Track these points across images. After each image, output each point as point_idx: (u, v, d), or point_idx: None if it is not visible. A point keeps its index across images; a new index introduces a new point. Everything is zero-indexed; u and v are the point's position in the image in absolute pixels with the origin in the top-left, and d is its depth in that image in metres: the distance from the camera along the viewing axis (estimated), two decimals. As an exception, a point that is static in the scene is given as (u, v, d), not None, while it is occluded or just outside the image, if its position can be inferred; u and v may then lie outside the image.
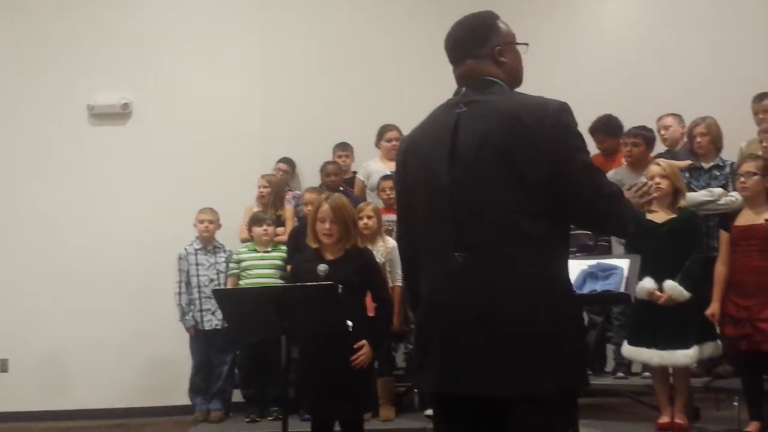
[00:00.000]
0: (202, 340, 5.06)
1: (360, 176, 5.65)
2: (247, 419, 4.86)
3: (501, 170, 1.88)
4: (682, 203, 4.10)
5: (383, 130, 5.54)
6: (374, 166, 5.48)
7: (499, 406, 1.90)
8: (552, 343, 1.85)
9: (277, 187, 5.36)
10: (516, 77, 2.09)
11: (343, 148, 5.79)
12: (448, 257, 1.93)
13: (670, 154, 4.96)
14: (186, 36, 6.09)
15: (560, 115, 1.90)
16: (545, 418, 1.85)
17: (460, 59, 2.06)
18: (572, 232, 5.78)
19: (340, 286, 2.99)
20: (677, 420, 4.05)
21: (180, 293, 5.06)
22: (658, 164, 4.15)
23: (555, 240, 1.93)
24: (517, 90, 2.06)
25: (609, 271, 2.78)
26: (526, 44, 2.09)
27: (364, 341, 3.30)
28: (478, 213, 1.91)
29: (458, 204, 1.93)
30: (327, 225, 3.33)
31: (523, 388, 1.84)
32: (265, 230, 4.92)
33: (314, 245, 3.41)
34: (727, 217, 4.08)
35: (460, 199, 1.93)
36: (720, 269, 3.98)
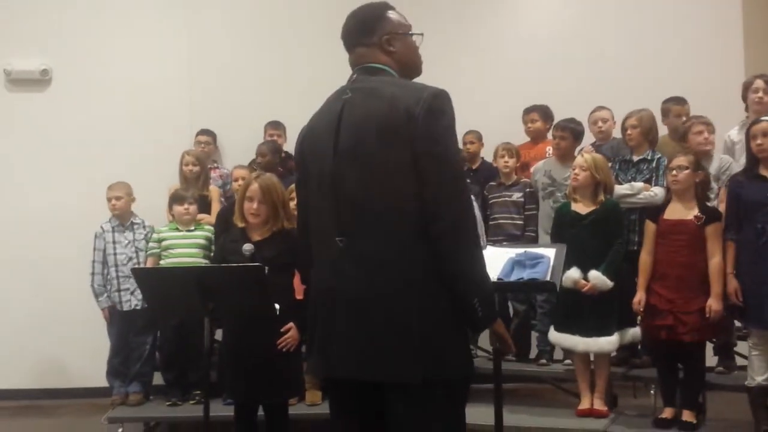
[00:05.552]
0: (120, 321, 4.86)
1: None
2: (168, 403, 4.71)
3: (379, 156, 1.89)
4: (606, 195, 4.18)
5: None
6: None
7: (380, 393, 1.93)
8: (420, 333, 1.85)
9: (203, 164, 5.18)
10: (409, 66, 2.10)
11: (275, 126, 5.62)
12: (330, 244, 1.95)
13: (594, 147, 5.00)
14: (110, 1, 5.82)
15: (434, 100, 1.89)
16: (415, 405, 1.88)
17: (351, 47, 2.11)
18: (499, 222, 5.68)
19: (266, 267, 2.91)
20: (596, 406, 4.16)
21: (93, 274, 4.83)
22: (581, 155, 4.26)
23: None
24: (417, 80, 2.07)
25: (536, 260, 2.80)
26: (421, 34, 2.11)
27: (291, 324, 3.25)
28: (357, 200, 1.92)
29: (340, 191, 1.94)
30: (255, 205, 3.26)
31: (389, 373, 1.87)
32: (186, 209, 4.72)
33: (241, 224, 3.33)
34: (655, 210, 4.14)
35: (341, 186, 1.94)
36: (645, 259, 4.03)
